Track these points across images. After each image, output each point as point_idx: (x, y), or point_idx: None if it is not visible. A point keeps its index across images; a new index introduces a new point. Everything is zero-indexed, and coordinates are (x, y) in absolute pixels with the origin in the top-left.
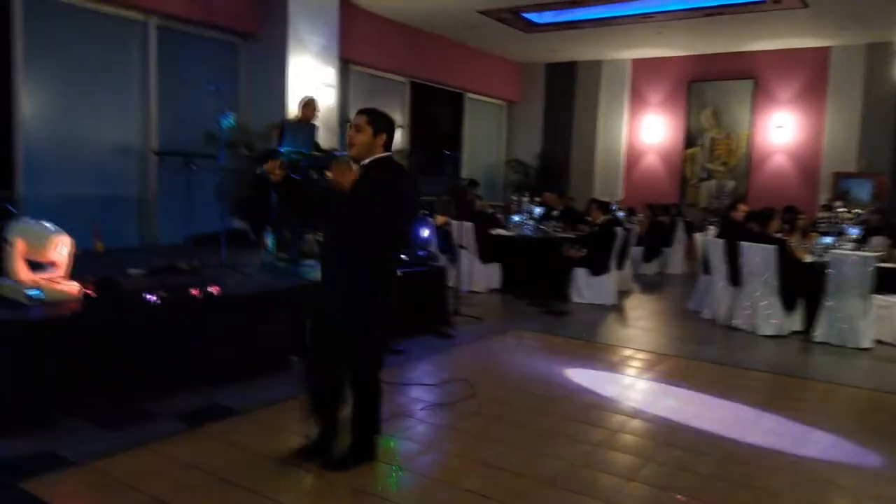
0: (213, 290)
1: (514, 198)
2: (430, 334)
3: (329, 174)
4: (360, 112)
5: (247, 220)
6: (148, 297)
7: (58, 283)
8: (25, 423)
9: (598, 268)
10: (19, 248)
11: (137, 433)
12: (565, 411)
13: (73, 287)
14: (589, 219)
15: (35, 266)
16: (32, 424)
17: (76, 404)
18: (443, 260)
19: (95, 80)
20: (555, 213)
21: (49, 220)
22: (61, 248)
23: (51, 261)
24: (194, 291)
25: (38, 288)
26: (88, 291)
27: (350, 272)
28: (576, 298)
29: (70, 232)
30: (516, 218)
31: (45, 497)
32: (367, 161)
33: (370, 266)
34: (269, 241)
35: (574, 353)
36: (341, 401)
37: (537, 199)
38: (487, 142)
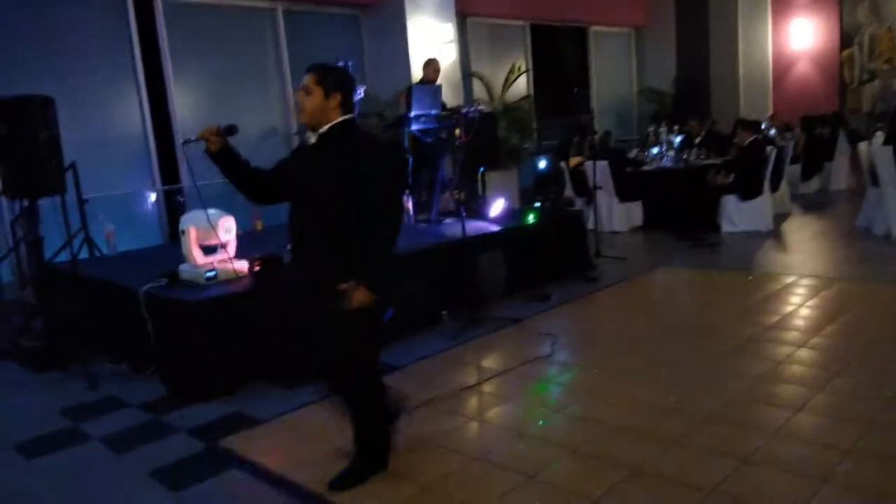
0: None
1: (651, 129)
2: (573, 279)
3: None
4: (308, 70)
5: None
6: None
7: (229, 263)
8: (216, 390)
9: (749, 192)
10: (193, 235)
11: (315, 392)
12: (724, 346)
13: (243, 265)
14: (736, 141)
15: (208, 250)
16: (222, 390)
17: (258, 370)
18: (579, 203)
19: (236, 71)
20: (696, 139)
21: (214, 206)
22: (228, 230)
23: (221, 243)
24: None
25: (213, 269)
26: (256, 268)
27: (329, 249)
28: (727, 228)
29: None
30: (654, 150)
31: (240, 451)
32: (324, 129)
33: (352, 239)
34: (408, 203)
35: (729, 286)
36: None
37: (675, 127)
38: (617, 74)
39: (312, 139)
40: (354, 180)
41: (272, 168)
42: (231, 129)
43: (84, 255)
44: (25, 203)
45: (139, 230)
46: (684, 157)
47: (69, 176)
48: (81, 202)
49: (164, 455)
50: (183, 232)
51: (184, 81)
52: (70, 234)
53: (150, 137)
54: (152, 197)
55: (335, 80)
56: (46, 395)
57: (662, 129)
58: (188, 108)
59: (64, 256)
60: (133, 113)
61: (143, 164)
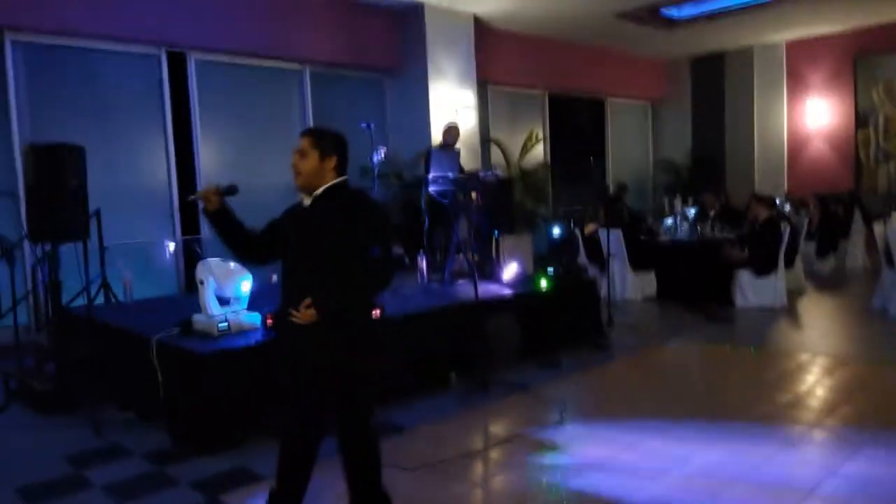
0: (376, 312)
1: (665, 201)
2: (584, 347)
3: None
4: (304, 133)
5: (401, 245)
6: None
7: (242, 315)
8: (222, 443)
9: (763, 268)
10: (209, 286)
11: (323, 447)
12: (735, 423)
13: (255, 318)
14: (749, 215)
15: (223, 301)
16: (228, 443)
17: (265, 425)
18: (592, 270)
19: (262, 128)
20: (711, 213)
21: (231, 258)
22: (244, 284)
23: (236, 296)
24: None
25: (226, 321)
26: (268, 321)
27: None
28: (740, 303)
29: (248, 267)
30: (668, 222)
31: None
32: (319, 191)
33: (345, 291)
34: (422, 263)
35: (742, 362)
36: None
37: (689, 199)
38: (633, 145)
39: (306, 201)
40: (351, 238)
41: (264, 229)
42: (231, 190)
43: (101, 300)
44: (48, 247)
45: (156, 279)
46: (698, 230)
47: (92, 223)
48: (102, 249)
49: None
50: (201, 282)
51: (211, 136)
52: (88, 280)
53: (175, 189)
54: (171, 247)
55: (331, 144)
56: (52, 440)
57: (677, 201)
58: (213, 163)
59: (81, 301)
60: (160, 165)
61: (164, 215)
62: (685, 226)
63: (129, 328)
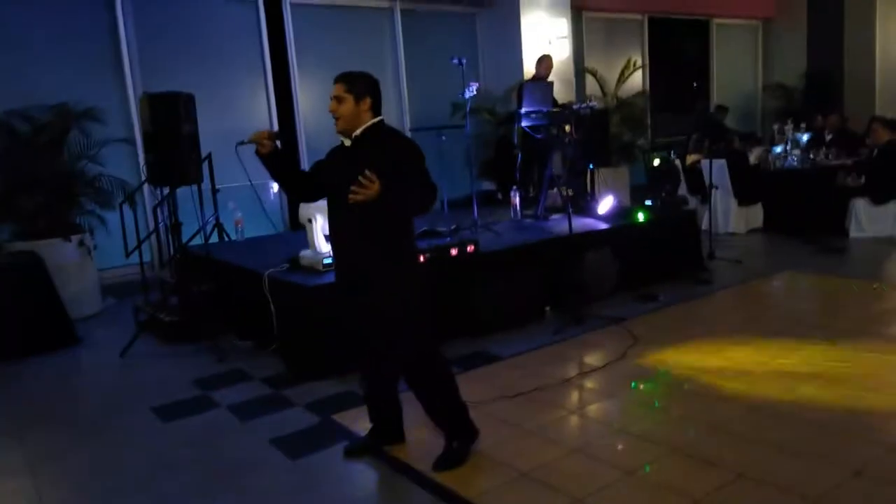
0: (470, 248)
1: (776, 126)
2: (685, 280)
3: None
4: (336, 80)
5: (494, 181)
6: None
7: None
8: (330, 370)
9: (881, 195)
10: (319, 224)
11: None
12: (844, 355)
13: None
14: (868, 141)
15: (328, 238)
16: (335, 370)
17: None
18: (693, 202)
19: (356, 67)
20: (828, 136)
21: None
22: None
23: None
24: (453, 251)
25: (330, 256)
26: None
27: (367, 244)
28: (855, 233)
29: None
30: (778, 149)
31: (351, 426)
32: (358, 132)
33: (389, 233)
34: (515, 199)
35: (856, 294)
36: (394, 396)
37: (802, 124)
38: (740, 68)
39: (347, 143)
40: (390, 172)
41: (311, 169)
42: (279, 136)
43: (215, 239)
44: (166, 190)
45: (264, 219)
46: (811, 156)
47: (205, 166)
48: (214, 191)
49: (283, 425)
50: (309, 220)
51: (308, 79)
52: (204, 221)
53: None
54: (275, 188)
55: (363, 86)
56: (180, 366)
57: (788, 127)
58: (311, 105)
59: (198, 240)
60: (261, 109)
61: None
62: (796, 153)
63: (243, 264)
